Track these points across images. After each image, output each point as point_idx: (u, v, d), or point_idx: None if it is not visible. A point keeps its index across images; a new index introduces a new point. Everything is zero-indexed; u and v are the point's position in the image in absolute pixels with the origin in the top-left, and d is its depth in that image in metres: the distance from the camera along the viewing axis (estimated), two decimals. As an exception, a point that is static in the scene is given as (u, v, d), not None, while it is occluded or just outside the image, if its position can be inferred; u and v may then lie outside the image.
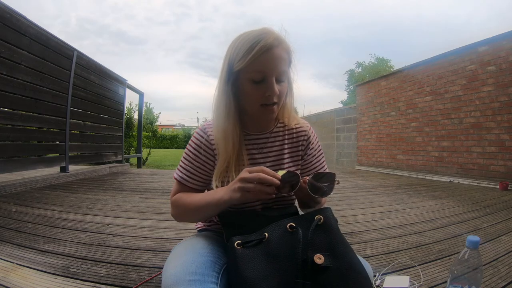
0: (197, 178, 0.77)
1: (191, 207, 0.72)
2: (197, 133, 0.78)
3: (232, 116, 0.72)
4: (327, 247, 0.56)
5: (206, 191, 0.88)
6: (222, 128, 0.72)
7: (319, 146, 0.87)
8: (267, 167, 0.79)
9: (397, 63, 24.80)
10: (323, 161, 0.87)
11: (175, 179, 0.78)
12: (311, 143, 0.84)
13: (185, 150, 0.78)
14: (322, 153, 0.87)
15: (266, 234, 0.59)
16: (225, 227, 0.67)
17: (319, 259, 0.53)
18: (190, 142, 0.78)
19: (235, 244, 0.59)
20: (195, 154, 0.76)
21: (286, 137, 0.82)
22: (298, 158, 0.84)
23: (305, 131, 0.83)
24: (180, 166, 0.78)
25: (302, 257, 0.53)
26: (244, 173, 0.63)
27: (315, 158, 0.85)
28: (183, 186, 0.77)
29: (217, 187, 0.72)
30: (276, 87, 0.68)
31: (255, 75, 0.67)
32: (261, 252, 0.57)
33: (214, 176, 0.74)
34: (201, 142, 0.76)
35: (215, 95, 0.74)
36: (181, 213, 0.76)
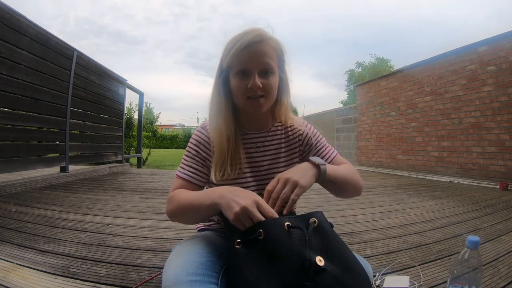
0: (199, 173, 0.77)
1: (184, 203, 0.70)
2: (198, 130, 0.81)
3: (224, 111, 0.75)
4: (323, 249, 0.56)
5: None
6: (215, 123, 0.75)
7: (318, 136, 0.87)
8: (264, 165, 0.81)
9: (397, 63, 24.83)
10: (326, 148, 0.86)
11: (177, 175, 0.78)
12: (309, 138, 0.85)
13: (187, 147, 0.80)
14: (322, 142, 0.87)
15: (261, 231, 0.56)
16: (227, 224, 0.66)
17: (320, 261, 0.53)
18: (191, 139, 0.80)
19: (235, 244, 0.58)
20: (196, 150, 0.78)
21: (283, 135, 0.84)
22: (295, 156, 0.85)
23: (300, 129, 0.85)
24: (182, 163, 0.79)
25: (305, 258, 0.53)
26: (253, 207, 0.58)
27: (318, 148, 0.86)
28: (184, 182, 0.77)
29: (215, 182, 0.74)
30: (259, 80, 0.70)
31: (237, 68, 0.71)
32: (261, 252, 0.56)
33: (213, 169, 0.75)
34: (202, 139, 0.78)
35: (210, 94, 0.78)
36: (175, 209, 0.72)
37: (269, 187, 0.67)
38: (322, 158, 0.83)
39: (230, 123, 0.75)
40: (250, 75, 0.70)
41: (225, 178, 0.75)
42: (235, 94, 0.74)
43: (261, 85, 0.70)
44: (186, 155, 0.79)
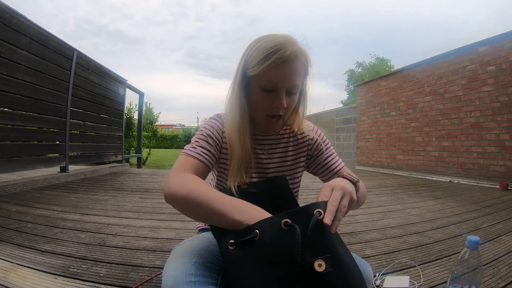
0: (210, 155, 0.74)
1: (204, 202, 0.58)
2: (213, 118, 0.79)
3: (247, 119, 0.73)
4: (328, 248, 0.50)
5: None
6: (238, 128, 0.73)
7: (327, 143, 0.87)
8: (270, 167, 0.81)
9: (397, 63, 24.86)
10: (335, 157, 0.87)
11: (187, 154, 0.72)
12: (319, 143, 0.85)
13: (199, 131, 0.78)
14: (331, 149, 0.87)
15: (257, 232, 0.51)
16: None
17: (319, 266, 0.46)
18: (204, 125, 0.79)
19: (228, 245, 0.53)
20: (208, 135, 0.76)
21: (291, 139, 0.84)
22: (302, 160, 0.85)
23: (308, 134, 0.85)
24: (193, 143, 0.75)
25: (300, 262, 0.47)
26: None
27: (327, 155, 0.86)
28: (196, 161, 0.71)
29: (234, 190, 0.68)
30: (285, 100, 0.69)
31: (266, 84, 0.68)
32: (256, 255, 0.52)
33: (230, 176, 0.73)
34: (216, 125, 0.77)
35: (229, 95, 0.75)
36: (186, 197, 0.60)
37: (324, 197, 0.56)
38: (330, 167, 0.85)
39: (248, 127, 0.74)
40: (277, 92, 0.68)
41: (239, 182, 0.74)
42: (255, 106, 0.72)
43: (285, 105, 0.69)
44: (198, 138, 0.76)
